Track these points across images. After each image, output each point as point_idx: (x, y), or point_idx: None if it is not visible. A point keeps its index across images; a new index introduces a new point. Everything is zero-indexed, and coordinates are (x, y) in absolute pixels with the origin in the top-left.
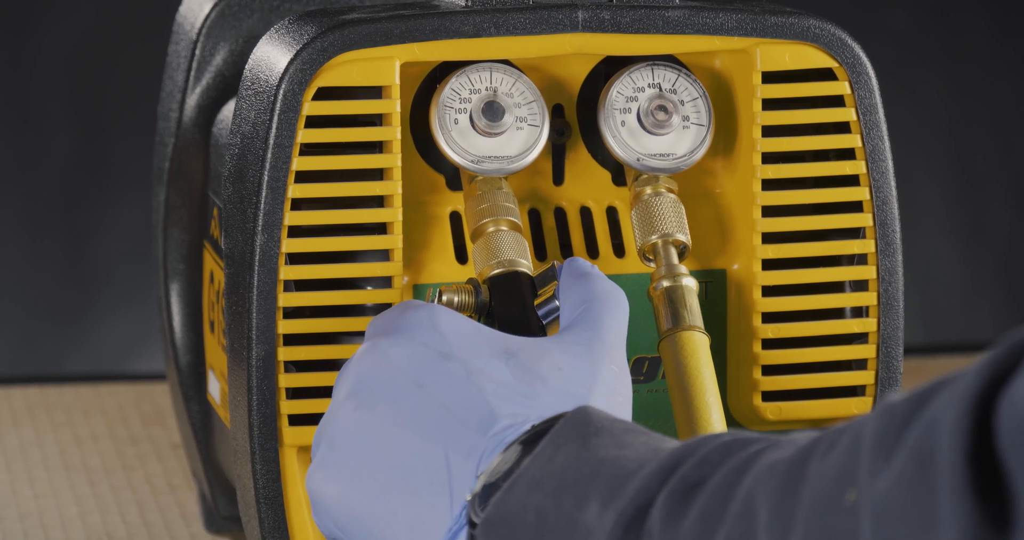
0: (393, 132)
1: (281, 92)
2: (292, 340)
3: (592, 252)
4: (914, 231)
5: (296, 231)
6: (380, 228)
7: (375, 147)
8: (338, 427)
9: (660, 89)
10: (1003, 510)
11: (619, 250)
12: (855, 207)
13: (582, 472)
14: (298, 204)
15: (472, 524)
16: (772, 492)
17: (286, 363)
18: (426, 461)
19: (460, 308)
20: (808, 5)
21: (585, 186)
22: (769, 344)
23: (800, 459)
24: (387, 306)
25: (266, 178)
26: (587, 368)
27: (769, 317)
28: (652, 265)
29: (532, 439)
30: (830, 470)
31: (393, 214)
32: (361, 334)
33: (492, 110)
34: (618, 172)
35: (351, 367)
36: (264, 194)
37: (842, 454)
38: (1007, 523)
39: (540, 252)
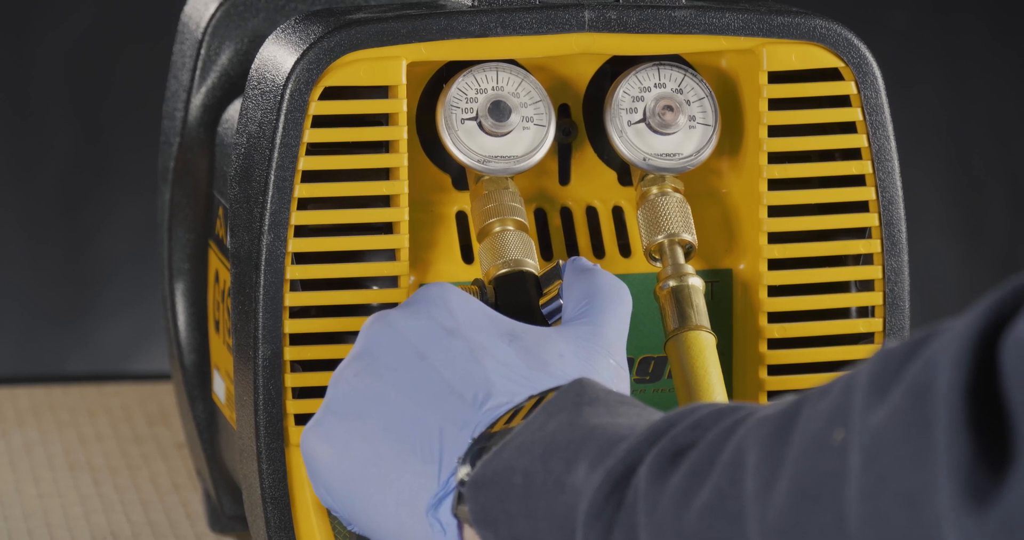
0: (399, 132)
1: (288, 92)
2: (298, 340)
3: (598, 252)
4: (913, 231)
5: (302, 231)
6: (386, 228)
7: (381, 147)
8: (337, 391)
9: (666, 89)
10: (1001, 450)
11: (625, 250)
12: (861, 207)
13: (573, 437)
14: (304, 203)
15: (460, 483)
16: (762, 439)
17: (292, 363)
18: (421, 429)
19: None
20: (808, 5)
21: (591, 186)
22: (775, 344)
23: (792, 409)
24: (393, 306)
25: (272, 177)
26: (587, 360)
27: (775, 317)
28: (658, 265)
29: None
30: (822, 412)
31: (399, 214)
32: None
33: (498, 110)
34: (624, 172)
35: (359, 335)
36: (271, 193)
37: (835, 397)
38: (1005, 462)
39: (546, 252)
